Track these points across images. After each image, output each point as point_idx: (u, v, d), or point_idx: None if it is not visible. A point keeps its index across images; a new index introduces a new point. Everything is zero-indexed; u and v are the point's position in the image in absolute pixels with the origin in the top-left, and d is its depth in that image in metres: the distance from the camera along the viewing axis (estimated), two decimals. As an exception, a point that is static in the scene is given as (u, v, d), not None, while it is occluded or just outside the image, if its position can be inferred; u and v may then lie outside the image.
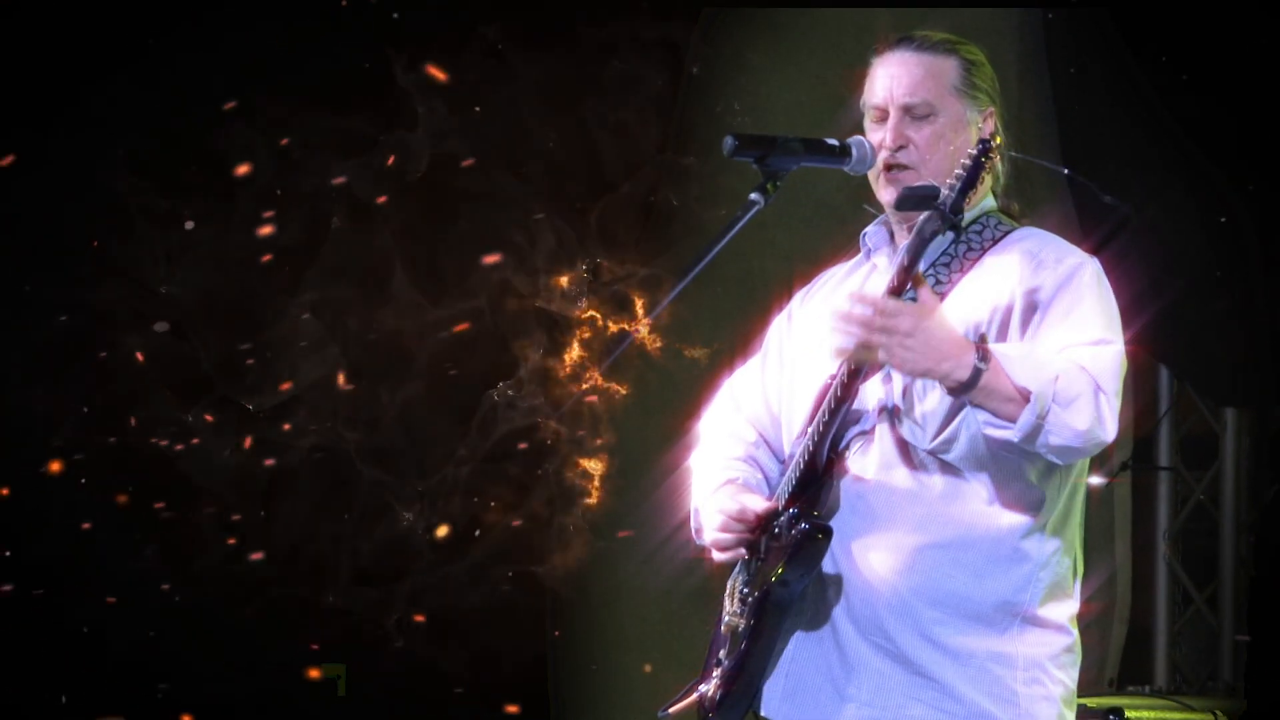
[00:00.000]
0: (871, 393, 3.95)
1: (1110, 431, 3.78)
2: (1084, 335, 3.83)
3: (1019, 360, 3.74)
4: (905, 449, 3.92)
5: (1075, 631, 3.99)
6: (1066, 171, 3.89)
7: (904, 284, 3.79)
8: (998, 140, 3.78)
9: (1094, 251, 4.02)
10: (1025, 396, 3.70)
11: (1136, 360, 7.56)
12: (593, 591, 7.18)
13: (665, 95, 6.77)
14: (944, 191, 3.75)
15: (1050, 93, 7.20)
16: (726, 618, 4.07)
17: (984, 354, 3.70)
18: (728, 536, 4.02)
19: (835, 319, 3.79)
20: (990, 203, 4.06)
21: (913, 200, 3.78)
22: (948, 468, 3.88)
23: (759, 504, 4.02)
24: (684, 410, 4.64)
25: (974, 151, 3.74)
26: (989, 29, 6.66)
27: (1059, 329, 3.84)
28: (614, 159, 6.76)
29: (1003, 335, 3.90)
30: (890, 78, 4.04)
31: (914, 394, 3.90)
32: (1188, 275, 7.08)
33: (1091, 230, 6.85)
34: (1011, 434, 3.72)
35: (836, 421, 3.91)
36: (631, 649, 7.18)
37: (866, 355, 3.77)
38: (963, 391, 3.73)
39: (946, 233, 3.81)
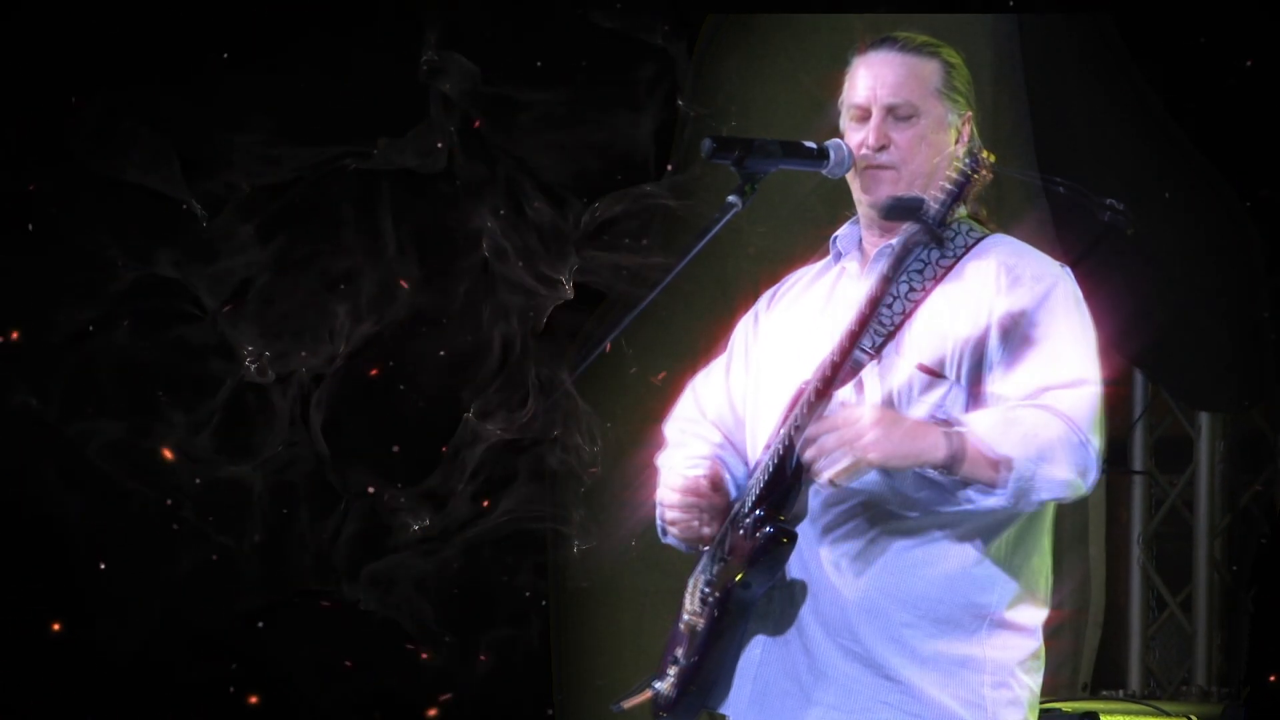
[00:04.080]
0: (844, 399, 3.94)
1: (1093, 479, 3.80)
2: (1063, 374, 3.82)
3: (993, 429, 3.74)
4: None
5: (1041, 637, 3.99)
6: (1060, 186, 3.88)
7: (883, 293, 3.79)
8: (989, 156, 3.76)
9: (1076, 260, 4.02)
10: (1008, 463, 3.72)
11: (1111, 363, 7.64)
12: (564, 592, 7.18)
13: (663, 98, 6.78)
14: (928, 204, 3.74)
15: (1025, 95, 7.21)
16: (686, 616, 4.06)
17: (952, 435, 3.72)
18: (684, 516, 4.02)
19: (810, 449, 3.77)
20: (960, 208, 4.05)
21: (897, 210, 3.78)
22: (919, 474, 3.87)
23: (705, 479, 4.03)
24: (652, 411, 4.63)
25: (962, 166, 3.73)
26: (964, 31, 6.66)
27: (1037, 363, 3.83)
28: (610, 160, 6.77)
29: (980, 353, 3.89)
30: (873, 77, 4.03)
31: (890, 404, 3.90)
32: (1163, 279, 7.08)
33: (1068, 235, 6.88)
34: (1001, 500, 3.75)
35: (809, 427, 3.90)
36: (604, 650, 7.18)
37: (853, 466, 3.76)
38: (945, 472, 3.75)
39: (929, 245, 3.80)
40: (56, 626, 6.86)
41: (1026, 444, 3.72)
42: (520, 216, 6.72)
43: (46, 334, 6.80)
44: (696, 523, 4.01)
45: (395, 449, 6.90)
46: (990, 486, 3.74)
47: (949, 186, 3.73)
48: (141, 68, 6.65)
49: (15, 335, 6.80)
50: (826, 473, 3.74)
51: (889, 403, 3.90)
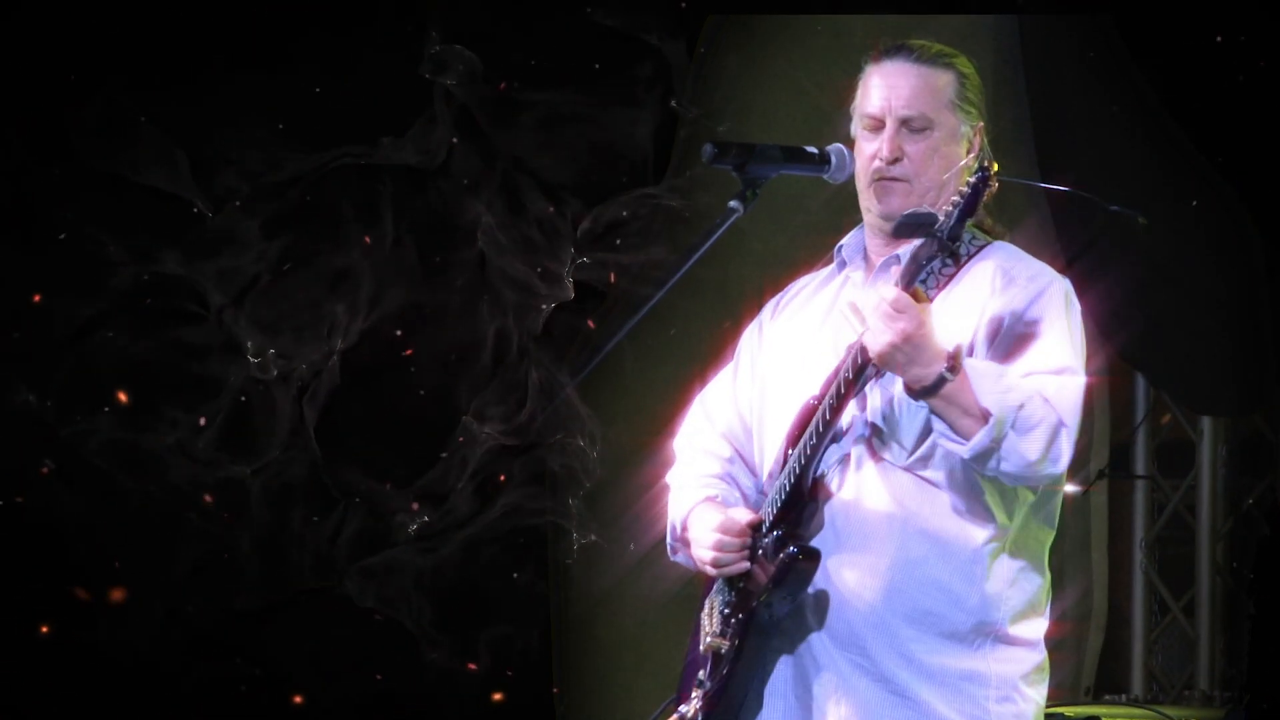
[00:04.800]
0: (848, 413, 3.93)
1: (1063, 465, 3.79)
2: (1050, 361, 3.83)
3: (987, 379, 3.74)
4: (882, 469, 3.91)
5: (1044, 650, 3.99)
6: (1069, 189, 3.86)
7: None
8: (995, 167, 3.73)
9: (1076, 261, 4.02)
10: (985, 416, 3.71)
11: (1113, 367, 7.63)
12: (571, 601, 7.16)
13: (663, 98, 6.78)
14: (940, 218, 3.70)
15: (1025, 97, 7.19)
16: (708, 639, 4.05)
17: (954, 365, 3.71)
18: (727, 555, 3.98)
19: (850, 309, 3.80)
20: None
21: (909, 227, 3.74)
22: (924, 488, 3.88)
23: (745, 515, 4.00)
24: (659, 421, 4.61)
25: (973, 180, 3.70)
26: (965, 35, 6.65)
27: (1026, 351, 3.84)
28: (610, 159, 6.76)
29: (972, 353, 3.89)
30: (887, 88, 4.01)
31: (892, 414, 3.90)
32: (1165, 283, 7.07)
33: (1068, 238, 6.86)
34: (963, 450, 3.74)
35: (825, 444, 3.90)
36: (609, 658, 7.16)
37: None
38: (923, 396, 3.73)
39: (942, 260, 3.76)
40: (45, 629, 6.85)
41: (1010, 412, 3.71)
42: (520, 215, 6.72)
43: (48, 332, 6.80)
44: (745, 564, 3.98)
45: (443, 455, 6.87)
46: (960, 436, 3.73)
47: (959, 200, 3.70)
48: (143, 70, 6.65)
49: (37, 298, 6.79)
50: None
51: (886, 409, 3.91)
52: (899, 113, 3.99)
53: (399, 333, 6.97)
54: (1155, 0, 6.59)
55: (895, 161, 3.97)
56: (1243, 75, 6.52)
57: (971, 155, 4.00)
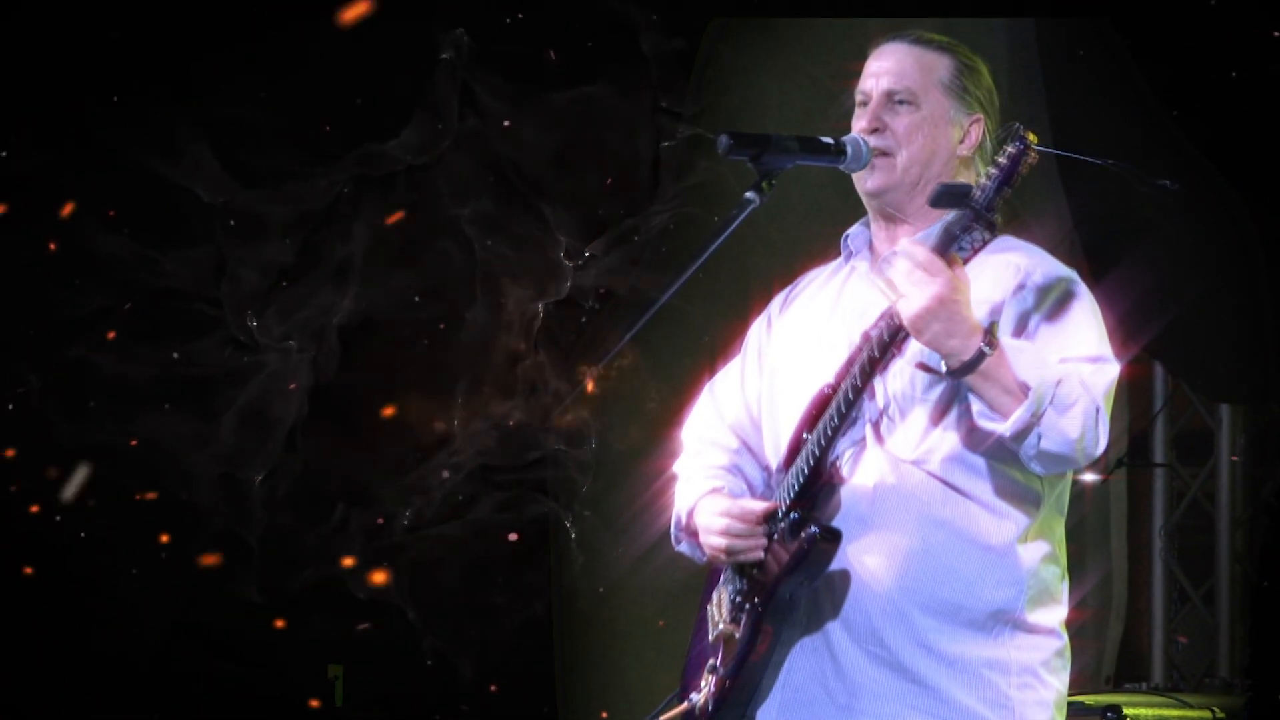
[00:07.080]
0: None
1: (1100, 447, 3.76)
2: (1082, 349, 3.81)
3: (1025, 354, 3.72)
4: (893, 458, 3.91)
5: (1065, 636, 3.98)
6: (1110, 163, 3.83)
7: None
8: (1033, 139, 3.68)
9: (1093, 251, 4.01)
10: (1024, 391, 3.68)
11: (1131, 357, 7.64)
12: (586, 594, 7.18)
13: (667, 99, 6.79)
14: (976, 191, 3.68)
15: (1044, 102, 7.20)
16: (720, 626, 4.04)
17: (991, 340, 3.68)
18: (738, 542, 3.97)
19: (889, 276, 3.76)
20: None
21: (946, 198, 3.72)
22: (936, 476, 3.88)
23: (757, 504, 4.00)
24: (670, 412, 4.63)
25: (1012, 150, 3.66)
26: (979, 40, 6.65)
27: (1055, 339, 3.82)
28: (617, 166, 6.79)
29: None
30: (878, 65, 4.05)
31: (898, 405, 3.90)
32: (1183, 273, 7.08)
33: (1085, 230, 6.86)
34: (1004, 428, 3.70)
35: (846, 425, 3.88)
36: (626, 650, 7.18)
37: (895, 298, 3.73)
38: (963, 373, 3.70)
39: (978, 232, 3.73)
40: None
41: (1049, 388, 3.69)
42: (519, 213, 6.75)
43: (52, 332, 6.84)
44: (759, 551, 3.96)
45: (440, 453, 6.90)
46: (999, 413, 3.70)
47: (995, 172, 3.67)
48: (141, 70, 6.69)
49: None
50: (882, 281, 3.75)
51: (897, 402, 3.91)
52: (883, 86, 4.01)
53: (397, 330, 7.01)
54: (1155, 1, 6.60)
55: (874, 132, 3.99)
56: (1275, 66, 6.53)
57: (965, 146, 4.01)
